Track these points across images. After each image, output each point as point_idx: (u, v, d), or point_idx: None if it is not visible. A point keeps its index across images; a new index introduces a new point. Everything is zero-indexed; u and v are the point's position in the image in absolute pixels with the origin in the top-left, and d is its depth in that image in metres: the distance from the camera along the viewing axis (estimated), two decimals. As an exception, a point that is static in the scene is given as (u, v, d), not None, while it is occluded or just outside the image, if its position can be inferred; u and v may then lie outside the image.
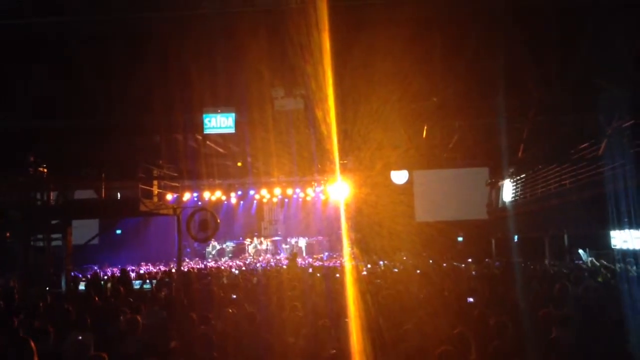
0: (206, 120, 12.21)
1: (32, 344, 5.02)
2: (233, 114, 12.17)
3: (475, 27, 11.22)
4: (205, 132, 12.66)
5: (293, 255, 19.55)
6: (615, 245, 15.74)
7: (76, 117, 12.44)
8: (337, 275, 13.91)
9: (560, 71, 11.59)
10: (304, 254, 28.53)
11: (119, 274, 18.58)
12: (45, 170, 15.64)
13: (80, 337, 5.88)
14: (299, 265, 19.46)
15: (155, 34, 11.36)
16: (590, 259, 16.17)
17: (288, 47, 10.51)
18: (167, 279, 16.02)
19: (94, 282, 14.93)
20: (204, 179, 23.57)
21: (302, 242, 30.04)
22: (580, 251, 17.16)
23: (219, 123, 12.19)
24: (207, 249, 29.74)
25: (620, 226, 14.58)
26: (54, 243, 15.62)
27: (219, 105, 12.20)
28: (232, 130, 12.39)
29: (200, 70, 11.55)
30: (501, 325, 6.12)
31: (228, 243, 30.30)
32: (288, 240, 30.44)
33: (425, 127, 15.09)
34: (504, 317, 6.39)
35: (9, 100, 12.07)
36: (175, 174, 19.49)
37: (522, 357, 5.57)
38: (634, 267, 13.21)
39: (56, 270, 15.44)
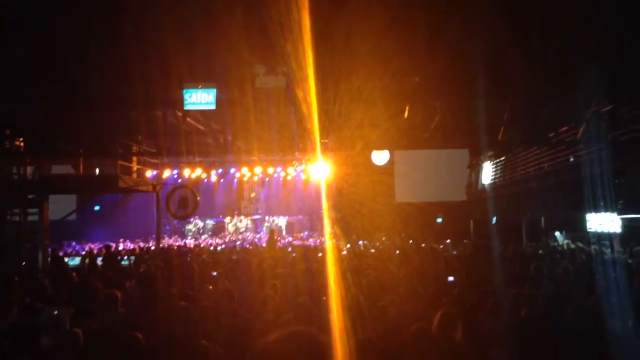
0: (186, 96, 12.07)
1: None
2: (214, 90, 12.05)
3: (458, 9, 11.17)
4: (185, 108, 12.52)
5: (271, 232, 19.52)
6: (590, 228, 15.98)
7: (53, 89, 12.18)
8: (320, 254, 13.93)
9: (541, 55, 11.63)
10: (284, 233, 28.54)
11: (97, 251, 18.47)
12: (22, 144, 15.36)
13: (55, 312, 5.83)
14: (279, 243, 19.43)
15: (129, 4, 11.03)
16: (566, 241, 16.44)
17: (268, 25, 10.31)
18: (145, 256, 15.95)
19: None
20: (184, 156, 23.36)
21: (283, 221, 30.05)
22: (557, 233, 17.42)
23: (199, 99, 12.05)
24: (187, 227, 29.65)
25: (596, 209, 14.82)
26: (30, 218, 15.41)
27: (200, 81, 12.04)
28: (213, 107, 12.27)
29: (178, 46, 11.32)
30: (496, 306, 6.29)
31: (208, 221, 30.22)
32: (267, 218, 30.42)
33: (407, 108, 15.10)
34: (498, 297, 6.56)
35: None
36: (155, 151, 19.28)
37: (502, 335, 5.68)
38: (608, 250, 13.47)
39: (32, 245, 15.25)
